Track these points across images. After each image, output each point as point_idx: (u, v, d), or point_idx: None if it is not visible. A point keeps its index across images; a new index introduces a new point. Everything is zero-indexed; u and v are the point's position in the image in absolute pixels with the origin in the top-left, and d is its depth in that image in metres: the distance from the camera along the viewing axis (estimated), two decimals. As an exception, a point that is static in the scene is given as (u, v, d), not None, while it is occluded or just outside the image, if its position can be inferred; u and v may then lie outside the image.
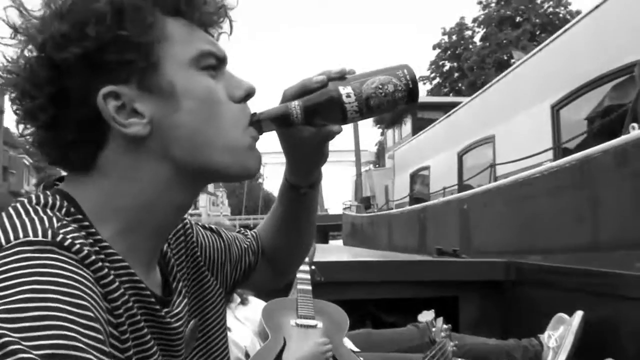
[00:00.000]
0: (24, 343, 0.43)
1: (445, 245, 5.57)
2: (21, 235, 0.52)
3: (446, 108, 13.16)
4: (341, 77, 0.72)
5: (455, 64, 34.70)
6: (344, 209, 20.21)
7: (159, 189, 0.64)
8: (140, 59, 0.61)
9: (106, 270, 0.55)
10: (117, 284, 0.56)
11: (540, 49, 6.67)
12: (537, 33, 31.67)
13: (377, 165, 21.80)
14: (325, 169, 0.87)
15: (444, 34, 35.57)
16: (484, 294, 2.66)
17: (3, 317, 0.44)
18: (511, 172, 6.44)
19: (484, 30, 34.17)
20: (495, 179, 7.29)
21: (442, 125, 11.26)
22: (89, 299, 0.49)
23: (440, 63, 35.49)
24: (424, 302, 2.55)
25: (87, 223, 0.58)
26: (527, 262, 2.98)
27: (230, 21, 0.72)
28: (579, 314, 2.19)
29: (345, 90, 0.70)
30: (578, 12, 29.27)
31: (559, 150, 5.96)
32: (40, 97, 0.61)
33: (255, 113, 0.71)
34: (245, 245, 0.93)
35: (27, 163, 41.03)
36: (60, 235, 0.52)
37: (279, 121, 0.72)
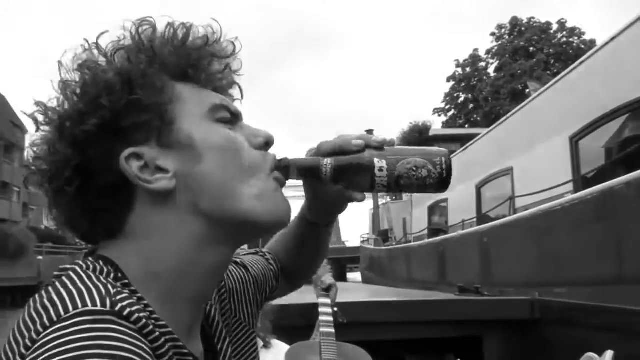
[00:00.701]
0: None
1: (466, 279, 5.49)
2: (79, 304, 0.51)
3: (462, 140, 13.19)
4: (379, 147, 0.72)
5: (469, 95, 34.84)
6: (362, 241, 20.19)
7: (193, 246, 0.64)
8: (155, 118, 0.64)
9: (162, 340, 0.54)
10: (170, 354, 0.55)
11: (557, 81, 6.67)
12: (552, 63, 31.76)
13: (394, 198, 21.82)
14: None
15: (457, 65, 35.82)
16: (509, 333, 2.62)
17: None
18: (530, 204, 6.38)
19: (498, 61, 34.29)
20: (515, 212, 7.22)
21: (459, 158, 11.24)
22: None
23: (455, 95, 35.66)
24: (448, 342, 2.50)
25: (133, 288, 0.58)
26: (553, 299, 2.93)
27: (239, 85, 0.75)
28: (609, 354, 2.14)
29: (379, 163, 0.70)
30: (592, 42, 29.43)
31: (579, 182, 5.90)
32: (66, 172, 0.62)
33: (285, 158, 0.72)
34: (269, 271, 0.95)
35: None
36: (119, 305, 0.52)
37: (308, 173, 0.73)
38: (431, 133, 17.93)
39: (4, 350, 0.53)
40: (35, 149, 0.66)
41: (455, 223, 10.26)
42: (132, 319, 0.51)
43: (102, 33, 0.68)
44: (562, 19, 33.16)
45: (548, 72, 27.88)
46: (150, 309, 0.57)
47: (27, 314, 0.53)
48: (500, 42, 34.38)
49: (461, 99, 34.86)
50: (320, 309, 1.88)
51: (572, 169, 6.12)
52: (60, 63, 0.66)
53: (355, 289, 6.53)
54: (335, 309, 1.96)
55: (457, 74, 35.11)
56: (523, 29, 33.90)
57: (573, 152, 6.12)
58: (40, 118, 0.66)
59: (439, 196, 12.31)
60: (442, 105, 35.13)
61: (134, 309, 0.53)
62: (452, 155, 7.27)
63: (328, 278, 2.03)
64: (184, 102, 0.66)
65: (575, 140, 6.09)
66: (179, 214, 0.64)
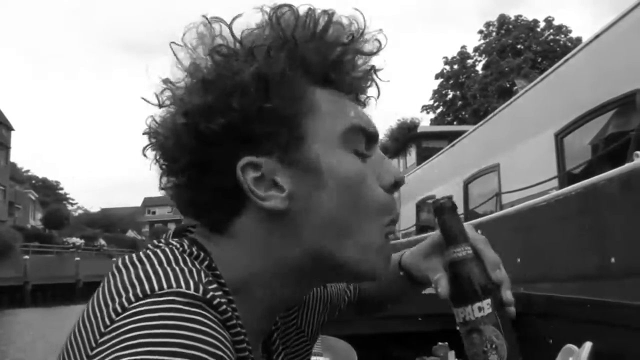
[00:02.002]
0: None
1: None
2: (174, 285, 0.51)
3: (450, 137, 13.27)
4: (506, 303, 0.69)
5: (458, 92, 35.03)
6: None
7: (285, 268, 0.63)
8: (285, 131, 0.60)
9: (242, 336, 0.55)
10: (247, 352, 0.55)
11: (543, 78, 6.74)
12: (539, 60, 31.98)
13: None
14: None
15: (446, 63, 35.98)
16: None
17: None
18: (516, 200, 6.44)
19: (486, 58, 34.49)
20: (501, 208, 7.28)
21: (447, 155, 11.30)
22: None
23: (443, 92, 35.86)
24: (433, 336, 2.54)
25: (222, 281, 0.58)
26: (536, 293, 2.97)
27: (377, 85, 0.69)
28: (587, 345, 2.19)
29: (483, 303, 0.66)
30: (578, 39, 29.65)
31: (564, 178, 5.96)
32: (182, 160, 0.61)
33: (447, 203, 0.71)
34: (344, 294, 0.94)
35: (33, 198, 41.13)
36: (210, 293, 0.52)
37: (449, 239, 0.70)
38: (419, 130, 17.99)
39: (89, 310, 0.53)
40: (156, 122, 0.65)
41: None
42: (220, 309, 0.52)
43: (237, 16, 0.63)
44: (549, 17, 33.42)
45: (535, 70, 28.03)
46: (233, 305, 0.57)
47: (118, 280, 0.54)
48: (488, 40, 34.54)
49: (449, 96, 35.02)
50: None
51: (557, 165, 6.18)
52: (185, 44, 0.63)
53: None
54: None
55: (445, 71, 35.26)
56: (510, 27, 34.09)
57: (558, 149, 6.19)
58: (166, 95, 0.64)
59: (427, 193, 12.37)
60: (431, 102, 35.30)
61: (222, 300, 0.53)
62: (439, 153, 7.45)
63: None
64: (321, 116, 0.62)
65: (560, 137, 6.15)
66: (280, 235, 0.62)
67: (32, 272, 28.24)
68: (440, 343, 2.29)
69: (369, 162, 0.64)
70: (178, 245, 0.59)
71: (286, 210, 0.61)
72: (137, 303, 0.50)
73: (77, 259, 32.15)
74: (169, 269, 0.54)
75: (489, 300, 0.67)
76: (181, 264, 0.55)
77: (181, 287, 0.51)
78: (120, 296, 0.51)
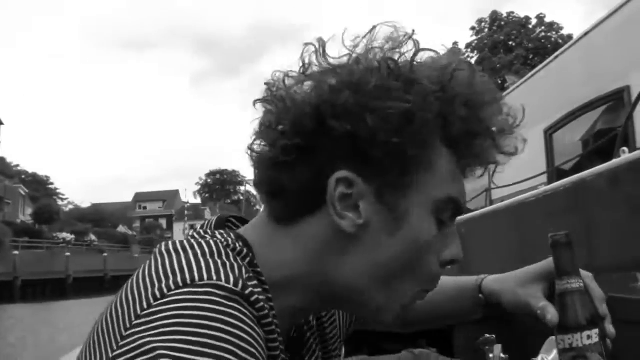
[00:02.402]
0: None
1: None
2: (214, 277, 0.53)
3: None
4: (610, 336, 0.75)
5: (449, 88, 35.09)
6: None
7: (317, 283, 0.64)
8: (396, 170, 0.61)
9: (276, 335, 0.56)
10: (279, 351, 0.57)
11: (533, 75, 6.79)
12: (530, 57, 32.08)
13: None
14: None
15: (438, 59, 35.92)
16: (479, 320, 2.68)
17: (183, 349, 0.46)
18: (507, 195, 6.47)
19: (478, 55, 34.55)
20: (491, 203, 7.31)
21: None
22: (260, 358, 0.50)
23: (435, 88, 35.88)
24: (420, 331, 2.56)
25: (263, 278, 0.59)
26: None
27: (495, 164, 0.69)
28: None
29: (592, 332, 0.71)
30: (569, 36, 29.76)
31: (553, 173, 6.00)
32: (291, 137, 0.61)
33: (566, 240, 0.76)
34: None
35: (23, 193, 40.88)
36: (249, 289, 0.54)
37: (561, 269, 0.77)
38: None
39: (127, 291, 0.55)
40: (285, 86, 0.65)
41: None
42: (257, 305, 0.54)
43: (419, 50, 0.64)
44: (541, 13, 33.53)
45: (527, 66, 28.12)
46: (271, 303, 0.58)
47: (160, 265, 0.56)
48: (480, 37, 34.60)
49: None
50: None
51: (546, 161, 6.22)
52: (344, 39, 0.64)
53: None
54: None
55: (437, 67, 35.28)
56: (503, 23, 34.16)
57: (547, 145, 6.22)
58: (313, 69, 0.64)
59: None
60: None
61: (261, 297, 0.55)
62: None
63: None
64: (432, 174, 0.64)
65: (549, 133, 6.18)
66: (334, 254, 0.64)
67: (22, 268, 28.10)
68: (488, 335, 2.31)
69: (443, 232, 0.66)
70: (223, 239, 0.61)
71: (352, 235, 0.62)
72: (176, 291, 0.51)
73: (68, 254, 32.02)
74: (211, 261, 0.55)
75: (597, 330, 0.72)
76: (224, 257, 0.57)
77: (221, 280, 0.53)
78: (160, 282, 0.53)
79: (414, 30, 0.64)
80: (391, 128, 0.59)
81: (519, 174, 6.62)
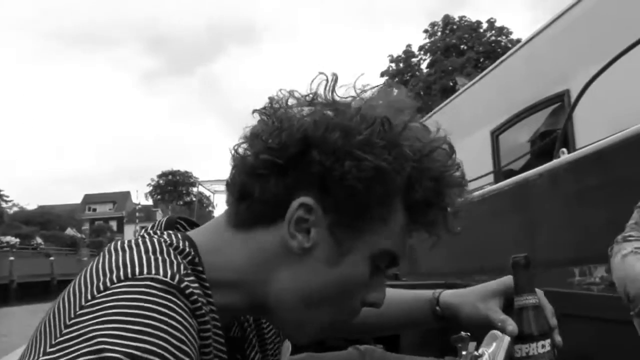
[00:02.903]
0: None
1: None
2: (153, 272, 0.59)
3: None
4: (558, 345, 0.86)
5: (402, 90, 35.36)
6: None
7: (249, 289, 0.71)
8: (352, 212, 0.68)
9: (209, 326, 0.62)
10: (211, 340, 0.63)
11: (480, 78, 6.99)
12: (481, 60, 32.77)
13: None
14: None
15: (391, 61, 36.34)
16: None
17: (118, 335, 0.51)
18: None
19: (430, 57, 35.07)
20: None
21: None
22: (192, 347, 0.56)
23: (388, 89, 36.10)
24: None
25: (203, 276, 0.65)
26: (463, 283, 3.11)
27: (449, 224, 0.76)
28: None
29: (545, 342, 0.82)
30: (518, 40, 30.50)
31: (499, 173, 6.20)
32: (273, 153, 0.67)
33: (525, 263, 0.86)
34: None
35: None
36: (184, 283, 0.59)
37: (520, 287, 0.87)
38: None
39: (75, 285, 0.60)
40: (285, 106, 0.70)
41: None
42: (191, 298, 0.59)
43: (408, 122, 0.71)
44: (492, 18, 34.33)
45: (478, 69, 28.74)
46: (210, 298, 0.64)
47: (106, 262, 0.61)
48: (433, 39, 35.17)
49: (394, 94, 35.45)
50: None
51: (492, 161, 6.42)
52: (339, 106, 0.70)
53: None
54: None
55: (390, 69, 35.70)
56: (455, 27, 34.82)
57: (494, 146, 6.43)
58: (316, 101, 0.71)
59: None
60: (376, 99, 35.63)
61: (196, 291, 0.60)
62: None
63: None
64: (382, 227, 0.70)
65: (495, 135, 6.39)
66: (275, 266, 0.70)
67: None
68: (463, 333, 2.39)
69: (375, 277, 0.73)
70: (167, 239, 0.66)
71: (296, 255, 0.69)
72: (118, 284, 0.57)
73: (11, 258, 30.98)
74: (152, 257, 0.61)
75: (549, 340, 0.83)
76: (164, 254, 0.63)
77: (159, 275, 0.58)
78: (105, 276, 0.58)
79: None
80: (361, 177, 0.66)
81: (467, 173, 6.82)
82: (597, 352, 2.08)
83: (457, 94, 8.02)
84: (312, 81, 0.72)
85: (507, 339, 2.43)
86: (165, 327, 0.54)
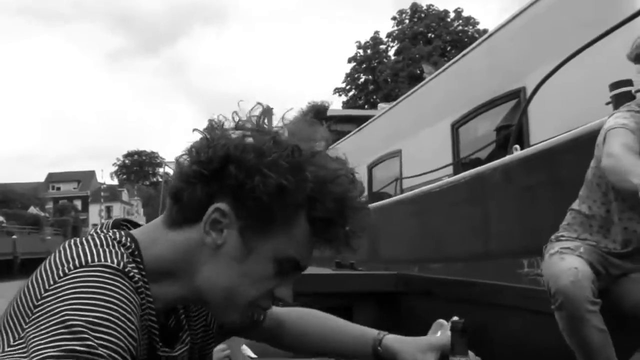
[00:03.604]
0: (89, 331, 0.64)
1: (355, 255, 5.82)
2: (102, 260, 0.74)
3: (359, 121, 13.55)
4: None
5: (370, 76, 35.49)
6: None
7: (177, 279, 0.86)
8: (261, 219, 0.81)
9: (147, 301, 0.78)
10: (149, 310, 0.79)
11: (443, 70, 7.11)
12: (448, 49, 33.03)
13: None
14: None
15: (359, 47, 36.38)
16: (376, 304, 2.90)
17: (79, 308, 0.66)
18: (415, 185, 6.79)
19: (398, 44, 35.16)
20: (402, 191, 7.64)
21: (354, 139, 11.61)
22: (135, 317, 0.71)
23: (356, 75, 36.23)
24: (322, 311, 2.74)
25: (141, 265, 0.80)
26: (415, 274, 3.24)
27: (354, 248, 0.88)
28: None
29: None
30: (484, 31, 30.86)
31: (458, 165, 6.34)
32: (202, 165, 0.82)
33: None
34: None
35: None
36: (127, 268, 0.75)
37: (457, 348, 1.01)
38: (329, 113, 18.13)
39: (37, 275, 0.74)
40: (217, 126, 0.84)
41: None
42: (133, 279, 0.75)
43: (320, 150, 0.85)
44: (459, 8, 34.59)
45: (444, 58, 29.01)
46: (145, 280, 0.80)
47: (63, 254, 0.75)
48: (400, 27, 35.31)
49: (361, 80, 35.55)
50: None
51: (452, 153, 6.57)
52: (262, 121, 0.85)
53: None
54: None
55: (358, 55, 35.76)
56: (423, 15, 35.01)
57: (454, 138, 6.58)
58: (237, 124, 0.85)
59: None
60: (343, 85, 35.71)
61: (137, 276, 0.76)
62: (347, 137, 7.63)
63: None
64: (288, 234, 0.83)
65: (456, 127, 6.54)
66: (196, 260, 0.84)
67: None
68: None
69: (282, 277, 0.86)
70: (113, 235, 0.82)
71: (212, 250, 0.83)
72: (75, 271, 0.71)
73: (-30, 236, 30.37)
74: (101, 249, 0.76)
75: None
76: (110, 247, 0.78)
77: (107, 262, 0.74)
78: (63, 265, 0.73)
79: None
80: (266, 192, 0.80)
81: (427, 164, 6.97)
82: (538, 342, 2.21)
83: (420, 85, 8.14)
84: (252, 110, 0.87)
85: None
86: (115, 301, 0.69)
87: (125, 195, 61.68)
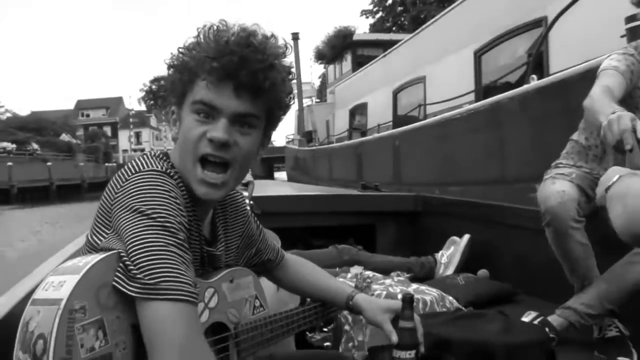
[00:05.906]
0: (152, 212, 0.89)
1: (381, 178, 6.11)
2: (151, 166, 0.97)
3: (385, 45, 13.46)
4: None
5: (397, -2, 34.45)
6: (287, 142, 20.15)
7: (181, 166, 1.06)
8: (181, 97, 1.03)
9: (184, 192, 1.00)
10: (188, 201, 1.01)
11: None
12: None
13: (319, 100, 22.09)
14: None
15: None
16: (397, 222, 3.19)
17: (140, 199, 0.91)
18: (439, 111, 6.97)
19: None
20: (425, 117, 7.82)
21: (379, 64, 11.63)
22: (180, 203, 0.94)
23: (383, -3, 35.17)
24: (347, 229, 3.06)
25: (175, 169, 1.02)
26: (432, 195, 3.53)
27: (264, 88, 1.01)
28: (466, 237, 2.70)
29: (412, 352, 1.17)
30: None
31: (480, 92, 6.49)
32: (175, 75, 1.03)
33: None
34: (270, 254, 1.34)
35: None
36: (169, 170, 0.98)
37: (403, 315, 1.19)
38: (355, 38, 17.97)
39: (113, 180, 0.99)
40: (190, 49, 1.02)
41: (372, 126, 10.86)
42: (174, 177, 0.98)
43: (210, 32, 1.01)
44: None
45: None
46: (181, 183, 1.00)
47: (120, 172, 0.98)
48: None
49: (389, 2, 34.70)
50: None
51: (475, 80, 6.71)
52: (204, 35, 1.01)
53: (274, 185, 6.97)
54: (252, 202, 2.35)
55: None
56: None
57: (476, 65, 6.69)
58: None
59: (360, 100, 12.80)
60: (370, 7, 34.92)
61: (175, 175, 0.98)
62: (373, 62, 7.81)
63: (247, 176, 2.45)
64: (192, 94, 1.01)
65: (478, 55, 6.64)
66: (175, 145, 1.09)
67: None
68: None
69: (206, 124, 1.01)
70: (153, 153, 1.05)
71: (176, 138, 1.07)
72: (133, 175, 0.95)
73: (9, 164, 31.10)
74: (149, 161, 1.00)
75: (414, 351, 1.17)
76: (154, 159, 1.01)
77: (153, 167, 0.97)
78: (124, 174, 0.97)
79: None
80: (176, 73, 1.02)
81: (450, 91, 7.10)
82: (536, 255, 2.43)
83: (444, 12, 8.12)
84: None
85: (463, 242, 2.79)
86: (165, 191, 0.92)
87: (153, 121, 61.84)
